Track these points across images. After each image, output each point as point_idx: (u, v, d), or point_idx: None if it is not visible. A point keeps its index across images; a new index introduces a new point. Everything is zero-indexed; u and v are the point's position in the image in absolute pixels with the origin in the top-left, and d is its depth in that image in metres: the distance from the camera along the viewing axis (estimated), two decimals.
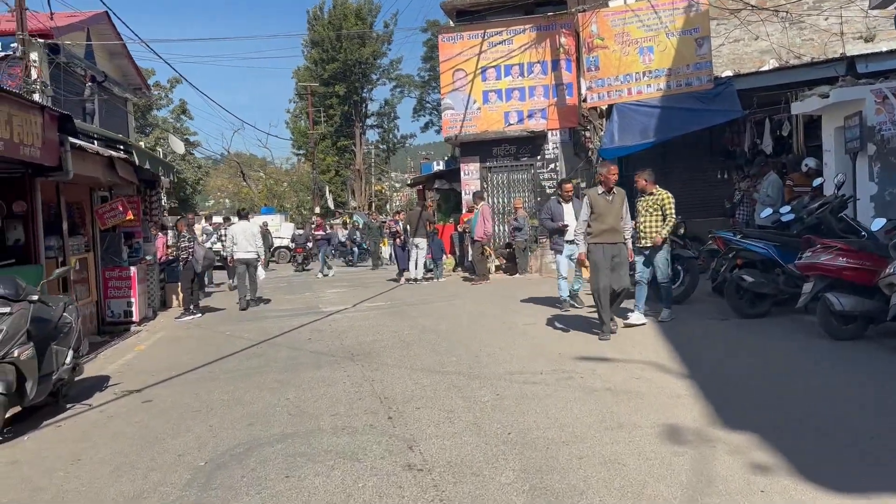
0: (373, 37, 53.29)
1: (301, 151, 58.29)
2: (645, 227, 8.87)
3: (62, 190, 10.36)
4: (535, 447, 4.73)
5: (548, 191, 18.03)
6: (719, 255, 9.96)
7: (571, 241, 9.99)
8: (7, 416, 6.07)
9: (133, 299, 11.93)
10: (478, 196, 16.59)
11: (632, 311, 8.95)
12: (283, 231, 35.24)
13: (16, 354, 5.71)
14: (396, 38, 61.04)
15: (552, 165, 18.03)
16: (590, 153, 18.08)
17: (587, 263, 8.28)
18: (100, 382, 7.62)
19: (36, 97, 13.78)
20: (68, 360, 6.56)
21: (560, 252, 10.60)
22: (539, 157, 18.07)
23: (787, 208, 9.89)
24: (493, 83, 18.21)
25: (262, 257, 14.99)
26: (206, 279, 17.32)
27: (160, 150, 25.58)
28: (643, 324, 8.69)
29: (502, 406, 5.71)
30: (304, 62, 54.73)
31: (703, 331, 8.47)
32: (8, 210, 9.14)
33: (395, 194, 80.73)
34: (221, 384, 7.18)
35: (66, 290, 10.07)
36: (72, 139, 9.55)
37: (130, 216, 12.00)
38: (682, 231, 10.44)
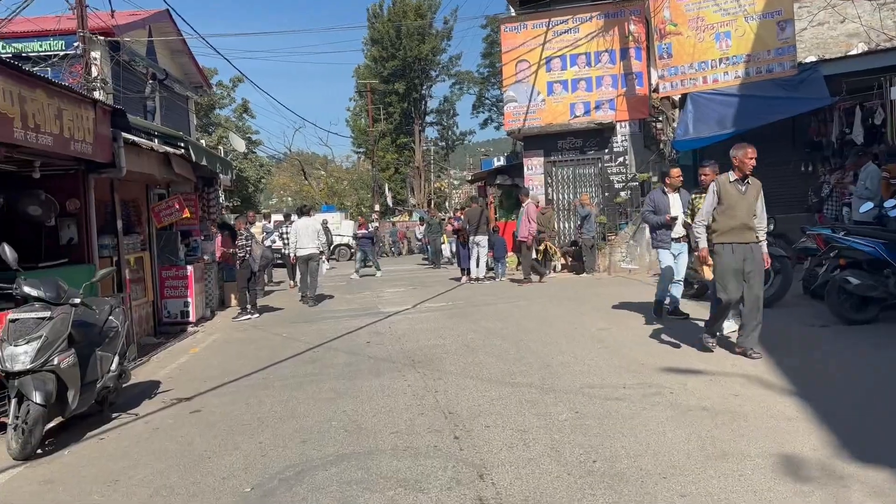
0: (432, 33, 52.85)
1: (361, 149, 58.44)
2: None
3: (116, 187, 10.10)
4: (627, 480, 4.05)
5: (616, 185, 17.18)
6: (816, 253, 9.02)
7: (678, 239, 8.96)
8: (50, 425, 5.72)
9: (189, 299, 11.66)
10: (523, 193, 15.85)
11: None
12: (343, 229, 35.10)
13: (56, 362, 5.33)
14: (456, 34, 60.79)
15: (621, 159, 17.15)
16: (661, 145, 17.14)
17: (710, 261, 7.07)
18: (150, 389, 7.25)
19: (96, 95, 13.72)
20: (114, 366, 6.18)
21: (665, 249, 9.07)
22: (607, 151, 17.22)
23: (892, 202, 8.86)
24: (559, 74, 17.43)
25: (325, 253, 14.68)
26: (266, 277, 17.10)
27: (222, 148, 25.62)
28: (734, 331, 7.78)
29: (583, 426, 5.03)
30: (364, 60, 54.84)
31: (803, 339, 7.58)
32: (61, 208, 8.89)
33: (454, 191, 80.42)
34: (274, 393, 6.70)
35: (120, 290, 9.82)
36: (125, 134, 9.26)
37: (187, 214, 11.71)
38: (771, 227, 9.48)
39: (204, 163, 12.01)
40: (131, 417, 6.19)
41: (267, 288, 16.83)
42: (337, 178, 56.58)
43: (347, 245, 34.37)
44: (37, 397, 5.16)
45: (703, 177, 7.93)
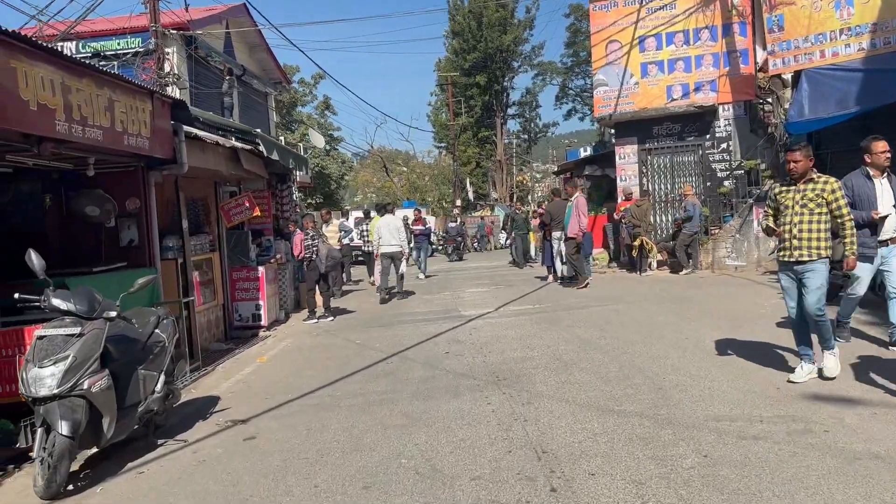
0: (514, 23, 51.56)
1: (442, 144, 57.84)
2: (803, 232, 5.58)
3: (181, 185, 9.54)
4: None
5: (718, 174, 15.67)
6: None
7: (885, 242, 6.45)
8: (89, 453, 5.05)
9: (261, 302, 11.05)
10: (571, 185, 14.56)
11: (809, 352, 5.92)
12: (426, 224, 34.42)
13: (86, 386, 4.62)
14: (538, 23, 59.37)
15: (724, 145, 15.62)
16: (771, 129, 15.51)
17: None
18: (206, 406, 6.55)
19: (169, 91, 13.36)
20: (159, 386, 5.46)
21: (868, 259, 6.41)
22: (708, 136, 15.72)
23: None
24: (653, 54, 16.04)
25: (406, 251, 13.97)
26: (343, 276, 16.48)
27: (302, 145, 25.30)
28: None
29: (716, 479, 3.93)
30: (445, 53, 54.09)
31: None
32: (121, 208, 8.35)
33: (536, 185, 78.93)
34: (340, 416, 5.85)
35: (186, 293, 9.25)
36: (186, 128, 8.66)
37: (258, 212, 11.10)
38: None
39: (276, 157, 11.37)
40: (179, 445, 5.46)
41: (346, 287, 16.20)
42: (419, 174, 56.11)
43: (430, 241, 33.70)
44: (63, 427, 4.46)
45: (792, 164, 5.69)
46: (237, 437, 5.56)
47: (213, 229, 10.71)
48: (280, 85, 24.29)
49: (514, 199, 54.36)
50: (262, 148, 10.72)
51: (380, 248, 13.79)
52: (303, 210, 21.80)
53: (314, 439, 5.28)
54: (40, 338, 4.72)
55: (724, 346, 7.16)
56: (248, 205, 10.99)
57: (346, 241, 17.12)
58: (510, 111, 59.10)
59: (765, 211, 6.20)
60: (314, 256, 11.55)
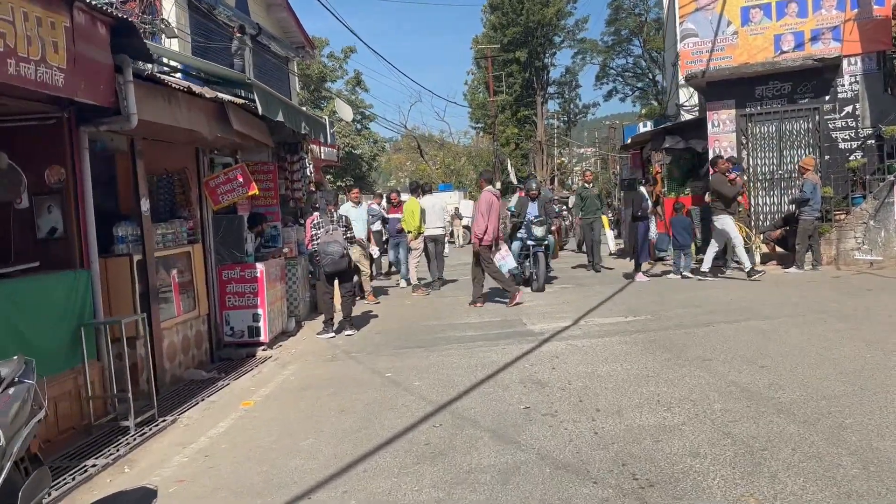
0: None
1: (479, 124, 54.86)
2: None
3: (143, 151, 6.76)
4: None
5: (840, 144, 12.47)
6: None
7: None
8: None
9: (260, 311, 8.27)
10: (484, 177, 11.54)
11: None
12: (464, 209, 31.57)
13: None
14: None
15: (848, 108, 12.40)
16: None
17: None
18: None
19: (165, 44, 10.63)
20: None
21: None
22: (828, 98, 12.50)
23: None
24: None
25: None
26: (374, 269, 13.65)
27: (326, 118, 22.46)
28: None
29: None
30: (483, 30, 50.89)
31: None
32: (38, 182, 5.60)
33: (576, 168, 75.70)
34: None
35: (146, 303, 6.50)
36: (140, 65, 5.93)
37: (254, 190, 8.32)
38: None
39: (280, 118, 8.52)
40: None
41: (375, 283, 13.36)
42: (455, 155, 53.06)
43: (468, 227, 30.84)
44: None
45: None
46: None
47: (195, 213, 7.94)
48: (303, 50, 21.39)
49: (555, 183, 51.22)
50: (258, 104, 7.85)
51: (425, 231, 12.59)
52: (327, 188, 19.08)
53: None
54: None
55: None
56: (241, 180, 8.21)
57: (375, 227, 14.27)
58: (549, 90, 56.13)
59: None
60: (317, 249, 8.76)
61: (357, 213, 12.08)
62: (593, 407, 4.98)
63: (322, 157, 17.91)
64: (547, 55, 53.23)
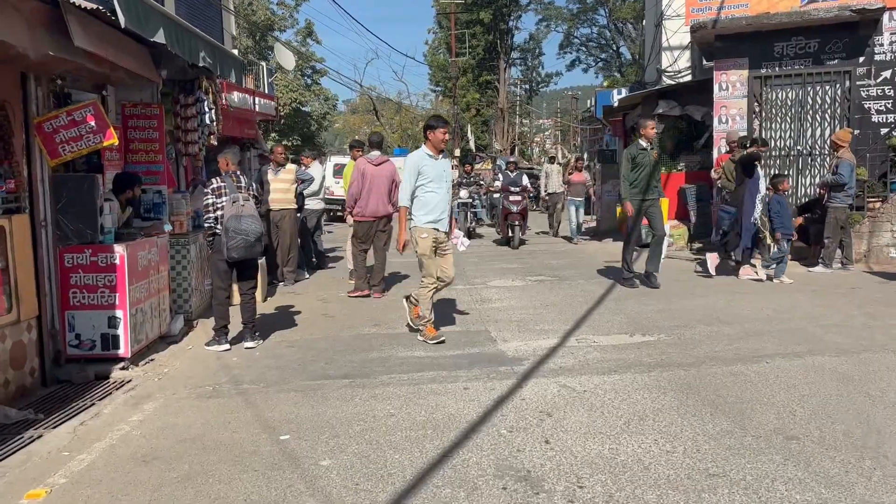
0: None
1: (439, 87, 52.11)
2: None
3: None
4: None
5: (874, 117, 10.38)
6: None
7: None
8: None
9: (118, 312, 5.76)
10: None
11: None
12: None
13: None
14: None
15: (886, 73, 10.30)
16: None
17: None
18: None
19: None
20: None
21: None
22: (862, 60, 10.38)
23: None
24: None
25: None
26: (315, 244, 11.06)
27: (264, 64, 19.64)
28: None
29: None
30: None
31: None
32: None
33: (535, 137, 73.79)
34: None
35: None
36: None
37: (112, 140, 5.75)
38: None
39: (162, 40, 5.91)
40: None
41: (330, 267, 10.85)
42: (412, 119, 50.23)
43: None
44: None
45: None
46: None
47: (20, 169, 5.36)
48: None
49: (515, 152, 49.04)
50: (117, 8, 5.24)
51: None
52: (263, 146, 16.41)
53: None
54: None
55: None
56: (92, 123, 5.63)
57: (314, 205, 11.47)
58: (513, 55, 53.86)
59: None
60: (217, 227, 6.26)
61: (280, 177, 9.64)
62: None
63: (257, 109, 15.24)
64: (512, 18, 50.70)
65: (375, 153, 8.75)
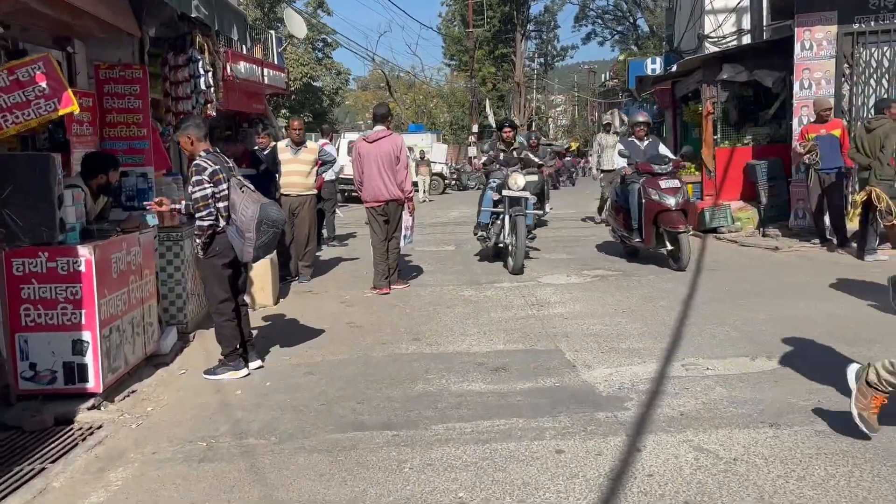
0: None
1: (453, 61, 50.35)
2: None
3: None
4: None
5: None
6: None
7: None
8: None
9: (87, 333, 4.39)
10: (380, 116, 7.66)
11: None
12: (436, 154, 27.68)
13: None
14: None
15: None
16: None
17: None
18: None
19: None
20: None
21: None
22: None
23: None
24: None
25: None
26: (324, 232, 9.71)
27: (273, 33, 18.18)
28: None
29: None
30: None
31: None
32: None
33: (550, 112, 72.18)
34: None
35: None
36: None
37: (71, 106, 4.34)
38: None
39: None
40: None
41: (321, 254, 9.48)
42: (426, 95, 48.54)
43: (441, 175, 27.03)
44: None
45: None
46: None
47: None
48: None
49: (533, 127, 47.40)
50: None
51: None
52: (272, 122, 15.09)
53: None
54: None
55: None
56: (43, 85, 4.23)
57: (328, 176, 10.25)
58: (529, 27, 52.26)
59: None
60: (219, 224, 4.79)
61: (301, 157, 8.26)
62: None
63: (266, 81, 13.84)
64: None
65: (378, 128, 7.36)
